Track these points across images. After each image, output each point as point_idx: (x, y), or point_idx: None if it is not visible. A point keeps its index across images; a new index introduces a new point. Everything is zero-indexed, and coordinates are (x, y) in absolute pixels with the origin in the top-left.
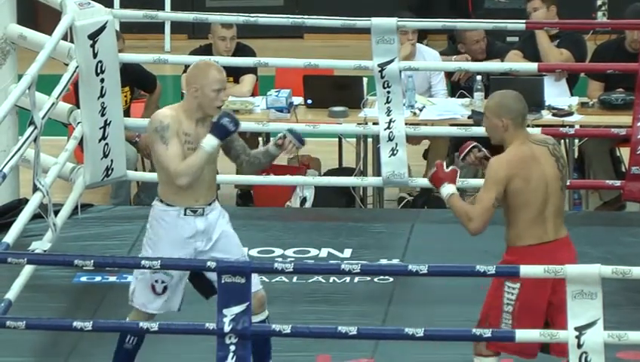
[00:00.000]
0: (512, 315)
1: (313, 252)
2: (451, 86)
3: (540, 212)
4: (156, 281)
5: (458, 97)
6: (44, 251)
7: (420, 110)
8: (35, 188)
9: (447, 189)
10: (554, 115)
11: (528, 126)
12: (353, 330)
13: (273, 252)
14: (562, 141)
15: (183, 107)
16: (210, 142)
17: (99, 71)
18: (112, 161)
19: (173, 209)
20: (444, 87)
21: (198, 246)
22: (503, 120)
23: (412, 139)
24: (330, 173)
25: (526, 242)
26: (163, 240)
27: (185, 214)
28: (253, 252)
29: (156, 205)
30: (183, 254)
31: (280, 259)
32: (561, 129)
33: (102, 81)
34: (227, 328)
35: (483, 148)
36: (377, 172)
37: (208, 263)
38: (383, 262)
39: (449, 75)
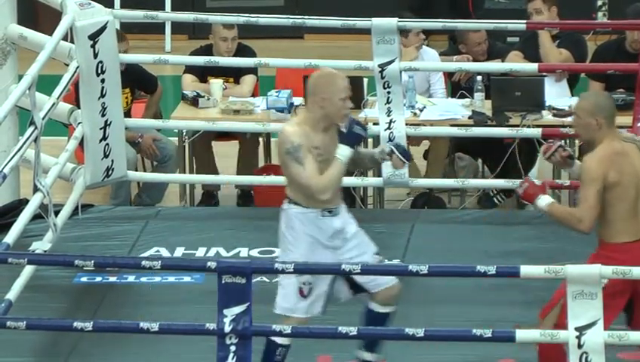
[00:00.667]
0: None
1: None
2: (452, 86)
3: (633, 207)
4: (303, 284)
5: (458, 98)
6: (45, 251)
7: (421, 110)
8: (36, 189)
9: (545, 200)
10: (554, 115)
11: (528, 126)
12: (354, 330)
13: (274, 252)
14: (562, 142)
15: (306, 120)
16: (344, 152)
17: (99, 71)
18: (112, 161)
19: (311, 211)
20: (442, 87)
21: (336, 244)
22: (597, 119)
23: (412, 140)
24: None
25: (621, 239)
26: (304, 242)
27: (322, 216)
28: (254, 252)
29: (291, 208)
30: (323, 254)
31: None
32: (561, 129)
33: (102, 81)
34: (227, 328)
35: (568, 148)
36: (378, 172)
37: (208, 263)
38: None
39: (449, 75)
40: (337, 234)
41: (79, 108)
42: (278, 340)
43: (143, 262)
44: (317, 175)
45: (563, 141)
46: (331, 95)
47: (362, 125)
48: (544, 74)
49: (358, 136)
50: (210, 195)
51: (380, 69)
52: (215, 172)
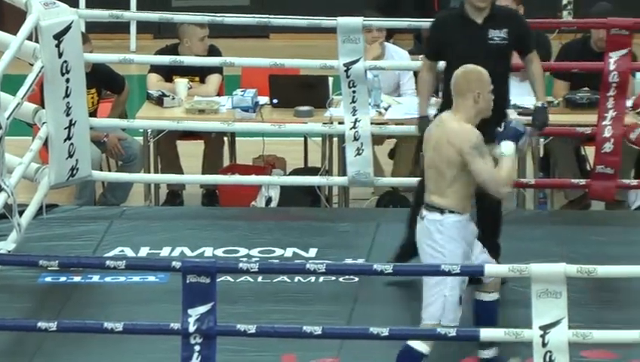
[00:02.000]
0: None
1: (278, 251)
2: None
3: None
4: (462, 291)
5: None
6: (9, 251)
7: (386, 109)
8: (0, 189)
9: None
10: (519, 114)
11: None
12: (318, 330)
13: (238, 252)
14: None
15: (464, 118)
16: (510, 149)
17: (64, 71)
18: (77, 160)
19: (463, 216)
20: (413, 87)
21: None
22: None
23: (375, 139)
24: (296, 172)
25: None
26: (460, 248)
27: (468, 220)
28: (219, 252)
29: (449, 217)
30: (467, 258)
31: (245, 259)
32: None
33: (67, 80)
34: (192, 328)
35: None
36: (343, 171)
37: (173, 263)
38: (349, 261)
39: (416, 74)
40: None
41: (44, 107)
42: (424, 350)
43: (108, 262)
44: (494, 170)
45: (528, 138)
46: (483, 90)
47: (519, 120)
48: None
49: (518, 130)
50: (174, 195)
51: (346, 68)
52: (180, 171)
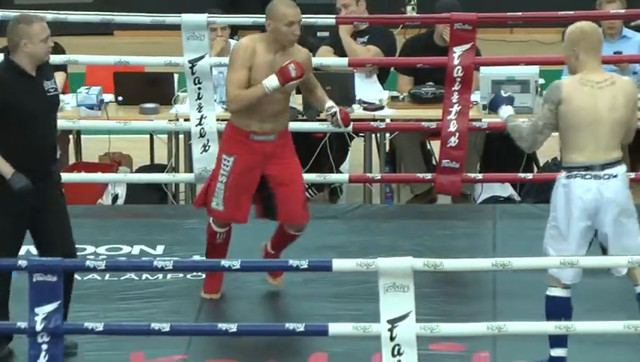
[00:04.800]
0: (225, 185)
1: (126, 249)
2: None
3: None
4: None
5: None
6: None
7: None
8: None
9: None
10: (365, 109)
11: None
12: (166, 327)
13: (85, 250)
14: (373, 135)
15: None
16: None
17: None
18: None
19: None
20: None
21: None
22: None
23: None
24: (142, 169)
25: None
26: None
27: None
28: None
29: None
30: None
31: (92, 257)
32: (372, 123)
33: None
34: (39, 327)
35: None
36: (189, 168)
37: (19, 262)
38: (196, 258)
39: None
40: None
41: None
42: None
43: None
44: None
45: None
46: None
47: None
48: (354, 69)
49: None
50: None
51: (191, 65)
52: None
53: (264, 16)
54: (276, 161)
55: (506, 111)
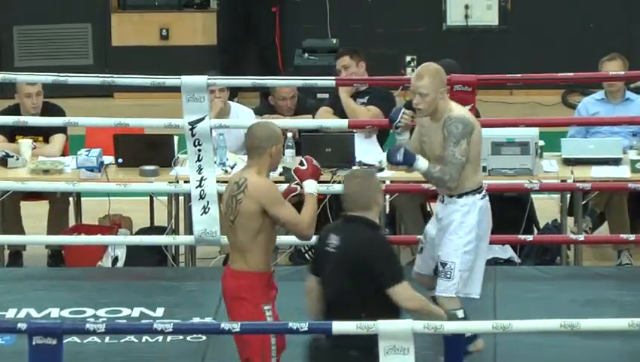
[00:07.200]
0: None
1: (125, 311)
2: None
3: None
4: None
5: None
6: None
7: (232, 168)
8: None
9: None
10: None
11: (339, 182)
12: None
13: (85, 312)
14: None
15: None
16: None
17: None
18: None
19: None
20: None
21: None
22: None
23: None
24: (142, 231)
25: None
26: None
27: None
28: (65, 312)
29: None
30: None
31: (92, 320)
32: None
33: None
34: None
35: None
36: (189, 230)
37: (19, 325)
38: (196, 320)
39: None
40: None
41: None
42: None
43: None
44: None
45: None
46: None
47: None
48: (354, 130)
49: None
50: (17, 255)
51: (191, 127)
52: (21, 232)
53: (264, 77)
54: None
55: (423, 162)
